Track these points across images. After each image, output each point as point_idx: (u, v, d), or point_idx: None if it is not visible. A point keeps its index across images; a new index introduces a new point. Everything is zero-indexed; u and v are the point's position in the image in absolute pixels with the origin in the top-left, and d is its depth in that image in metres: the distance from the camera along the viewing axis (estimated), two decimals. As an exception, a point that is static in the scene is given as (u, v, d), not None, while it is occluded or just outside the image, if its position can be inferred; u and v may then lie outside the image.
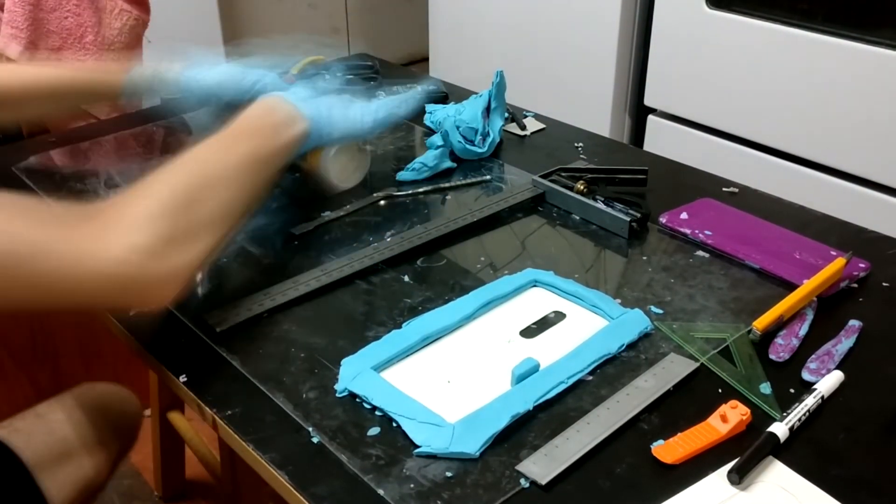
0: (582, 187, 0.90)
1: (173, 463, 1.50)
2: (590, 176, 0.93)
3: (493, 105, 1.05)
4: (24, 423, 0.87)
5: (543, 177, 0.95)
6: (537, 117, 1.16)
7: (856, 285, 0.78)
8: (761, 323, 0.69)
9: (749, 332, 0.70)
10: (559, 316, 0.74)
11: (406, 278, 0.79)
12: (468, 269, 0.81)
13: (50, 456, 0.73)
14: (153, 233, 0.59)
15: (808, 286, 0.73)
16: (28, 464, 0.73)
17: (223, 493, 1.34)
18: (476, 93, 1.13)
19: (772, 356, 0.68)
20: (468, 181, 0.99)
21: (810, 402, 0.62)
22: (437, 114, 1.10)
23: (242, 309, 0.74)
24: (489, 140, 1.04)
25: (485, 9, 1.89)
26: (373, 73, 1.28)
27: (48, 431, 0.86)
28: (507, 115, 1.10)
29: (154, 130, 1.14)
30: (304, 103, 0.82)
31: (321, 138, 0.84)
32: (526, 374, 0.64)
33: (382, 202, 0.94)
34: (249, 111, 0.78)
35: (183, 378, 0.66)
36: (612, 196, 0.89)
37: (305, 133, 0.81)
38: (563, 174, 0.95)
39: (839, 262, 0.75)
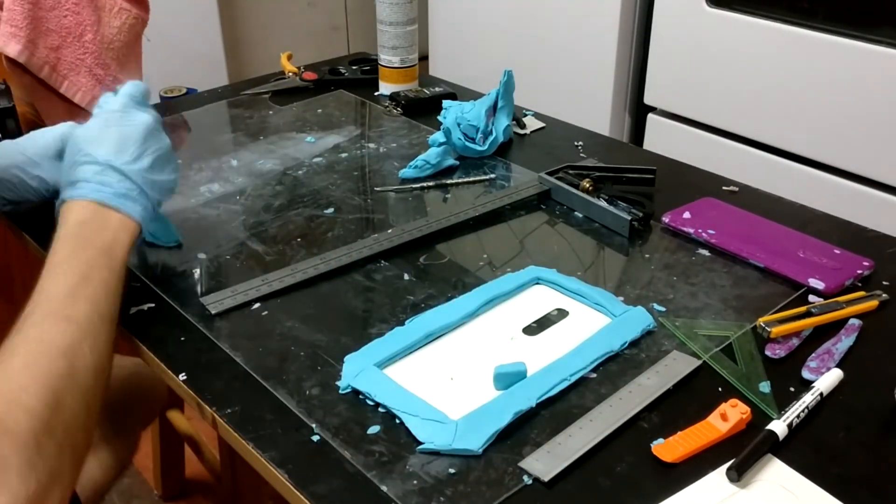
0: (588, 185, 0.90)
1: (173, 462, 1.50)
2: (597, 174, 0.93)
3: (500, 104, 1.05)
4: None
5: (550, 174, 0.95)
6: (537, 116, 1.16)
7: (860, 284, 0.78)
8: (777, 330, 0.69)
9: (754, 328, 0.71)
10: (562, 313, 0.74)
11: (408, 276, 0.79)
12: (470, 267, 0.81)
13: None
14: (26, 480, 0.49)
15: (838, 314, 0.72)
16: None
17: (223, 492, 1.34)
18: (475, 91, 1.12)
19: (767, 353, 0.68)
20: (471, 179, 0.99)
21: (808, 399, 0.62)
22: (452, 111, 1.08)
23: (239, 293, 0.74)
24: (490, 138, 1.03)
25: (484, 8, 1.89)
26: (373, 72, 1.28)
27: None
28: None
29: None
30: (122, 185, 0.69)
31: (152, 216, 0.73)
32: (512, 377, 0.64)
33: (385, 199, 0.94)
34: (60, 243, 0.64)
35: (182, 376, 0.66)
36: (618, 195, 0.89)
37: (138, 231, 0.70)
38: (570, 172, 0.95)
39: (872, 304, 0.74)
